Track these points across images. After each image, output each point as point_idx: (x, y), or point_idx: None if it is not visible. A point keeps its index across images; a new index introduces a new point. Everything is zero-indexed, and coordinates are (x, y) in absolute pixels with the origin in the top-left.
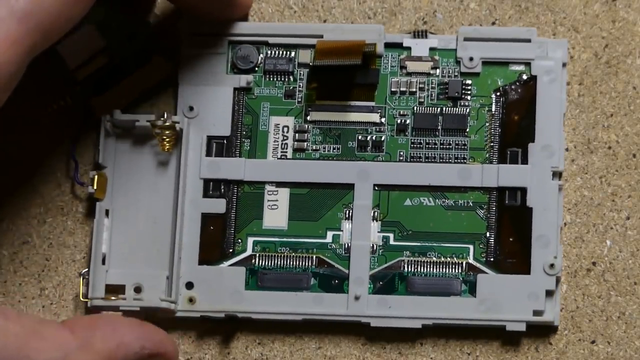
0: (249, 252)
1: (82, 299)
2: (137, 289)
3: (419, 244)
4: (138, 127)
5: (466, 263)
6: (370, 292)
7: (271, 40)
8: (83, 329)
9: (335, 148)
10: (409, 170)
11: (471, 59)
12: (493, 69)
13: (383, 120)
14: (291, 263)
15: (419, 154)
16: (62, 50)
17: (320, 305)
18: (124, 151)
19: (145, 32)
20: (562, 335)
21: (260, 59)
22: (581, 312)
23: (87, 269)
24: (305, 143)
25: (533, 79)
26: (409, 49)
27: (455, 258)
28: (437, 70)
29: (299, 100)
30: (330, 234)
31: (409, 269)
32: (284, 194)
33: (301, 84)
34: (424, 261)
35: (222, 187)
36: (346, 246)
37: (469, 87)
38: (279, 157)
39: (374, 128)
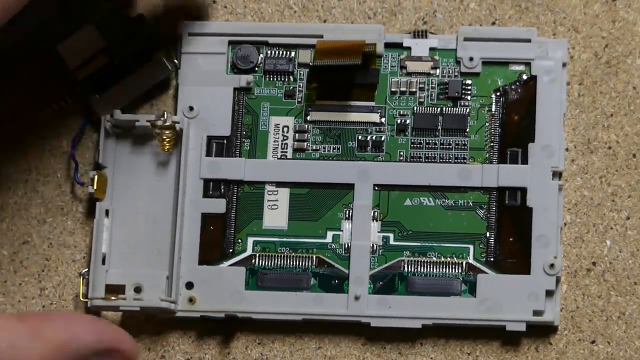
0: (249, 252)
1: (82, 299)
2: (137, 289)
3: (419, 244)
4: (138, 127)
5: (466, 263)
6: (370, 292)
7: (271, 40)
8: (35, 320)
9: (335, 148)
10: (409, 170)
11: (471, 59)
12: (493, 69)
13: (383, 120)
14: (291, 263)
15: (419, 154)
16: (62, 50)
17: (320, 305)
18: (124, 151)
19: (145, 32)
20: (562, 335)
21: (260, 59)
22: (581, 312)
23: (87, 269)
24: (305, 143)
25: (533, 79)
26: (409, 49)
27: (455, 258)
28: (437, 70)
29: (299, 100)
30: (330, 234)
31: (409, 269)
32: (284, 194)
33: (301, 84)
34: (424, 261)
35: (222, 187)
36: (346, 246)
37: (469, 87)
38: (279, 157)
39: (374, 128)
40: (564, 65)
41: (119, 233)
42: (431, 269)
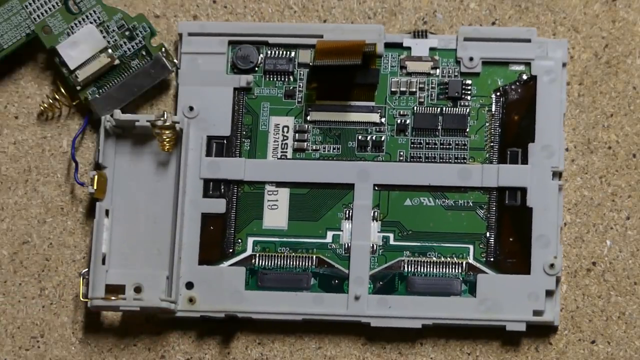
0: (249, 252)
1: (82, 299)
2: (137, 289)
3: (419, 244)
4: (138, 127)
5: (466, 263)
6: (370, 292)
7: (271, 40)
8: None
9: (335, 148)
10: (409, 170)
11: (471, 59)
12: (493, 69)
13: (383, 120)
14: (291, 263)
15: (419, 154)
16: (62, 50)
17: (320, 305)
18: (124, 151)
19: (145, 32)
20: (562, 335)
21: (260, 59)
22: (581, 312)
23: (87, 269)
24: (305, 143)
25: (533, 79)
26: (409, 49)
27: (455, 258)
28: (437, 70)
29: (299, 100)
30: (330, 234)
31: (409, 269)
32: (284, 194)
33: (301, 84)
34: (424, 261)
35: (222, 187)
36: (346, 246)
37: (469, 87)
38: (279, 157)
39: (374, 128)
40: (564, 65)
41: (119, 233)
42: (431, 269)
